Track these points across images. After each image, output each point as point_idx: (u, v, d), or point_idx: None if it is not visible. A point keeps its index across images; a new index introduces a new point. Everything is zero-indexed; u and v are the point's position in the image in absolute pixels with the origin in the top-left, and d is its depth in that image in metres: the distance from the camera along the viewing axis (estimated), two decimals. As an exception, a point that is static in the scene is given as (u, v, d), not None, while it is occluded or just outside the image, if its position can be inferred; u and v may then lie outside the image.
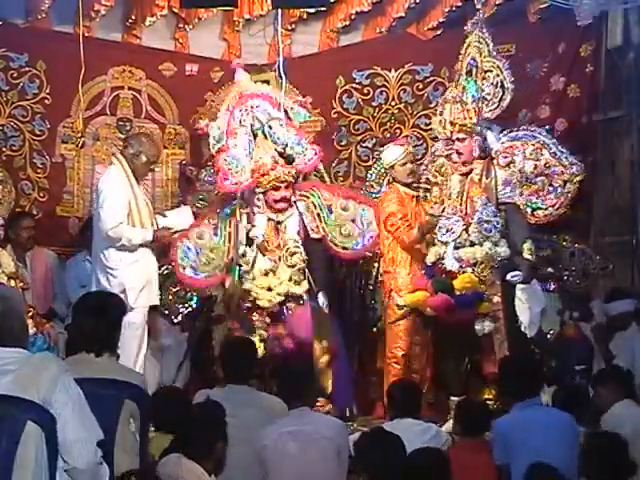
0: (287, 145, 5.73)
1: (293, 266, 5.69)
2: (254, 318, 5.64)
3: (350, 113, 7.37)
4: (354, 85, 7.36)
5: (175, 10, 7.05)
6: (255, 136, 5.78)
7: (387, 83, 7.34)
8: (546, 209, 5.92)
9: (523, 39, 7.08)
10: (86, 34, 6.47)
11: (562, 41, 7.04)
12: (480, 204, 5.66)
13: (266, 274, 5.68)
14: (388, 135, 7.32)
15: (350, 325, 6.39)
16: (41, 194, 6.91)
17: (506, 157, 5.82)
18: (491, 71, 5.87)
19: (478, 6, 6.78)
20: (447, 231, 5.67)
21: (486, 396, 5.74)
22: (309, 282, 5.76)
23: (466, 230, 5.64)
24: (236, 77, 6.02)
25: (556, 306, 6.40)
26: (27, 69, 6.86)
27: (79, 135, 6.58)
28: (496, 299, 5.62)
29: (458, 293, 5.54)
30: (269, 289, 5.64)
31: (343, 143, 7.36)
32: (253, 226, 5.73)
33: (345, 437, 4.41)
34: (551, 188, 5.92)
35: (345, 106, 7.37)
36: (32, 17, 6.78)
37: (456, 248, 5.62)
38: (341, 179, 7.34)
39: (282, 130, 5.75)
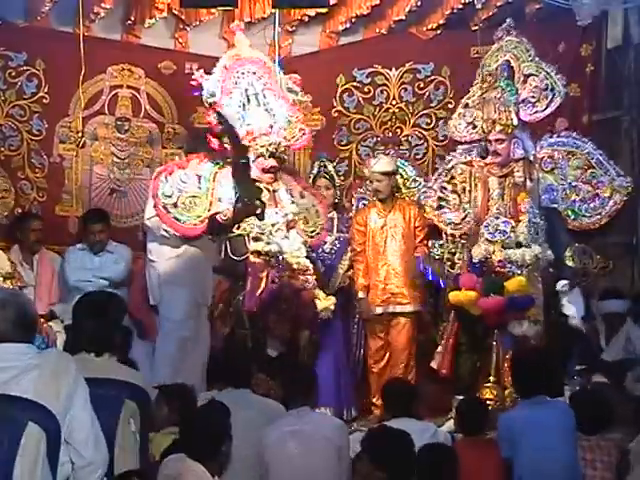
0: (279, 144, 5.71)
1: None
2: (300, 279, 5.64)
3: (350, 112, 7.36)
4: (355, 84, 7.34)
5: (175, 12, 7.04)
6: (248, 100, 5.72)
7: (388, 82, 7.33)
8: (590, 217, 5.91)
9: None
10: (85, 34, 6.47)
11: (562, 41, 7.04)
12: (528, 206, 5.71)
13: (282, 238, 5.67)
14: (389, 134, 7.32)
15: (353, 326, 6.39)
16: (40, 194, 6.88)
17: (550, 162, 5.84)
18: (536, 75, 5.92)
19: (478, 6, 6.80)
20: (496, 230, 5.69)
21: (487, 396, 5.76)
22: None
23: (512, 231, 5.68)
24: (235, 39, 5.94)
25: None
26: (25, 68, 6.82)
27: (79, 135, 6.56)
28: (538, 302, 5.66)
29: (508, 295, 5.55)
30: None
31: (343, 142, 7.35)
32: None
33: (345, 437, 4.41)
34: (596, 197, 5.92)
35: (346, 105, 7.36)
36: (31, 17, 6.75)
37: (503, 248, 5.66)
38: (342, 178, 7.32)
39: (276, 103, 5.71)
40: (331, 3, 6.84)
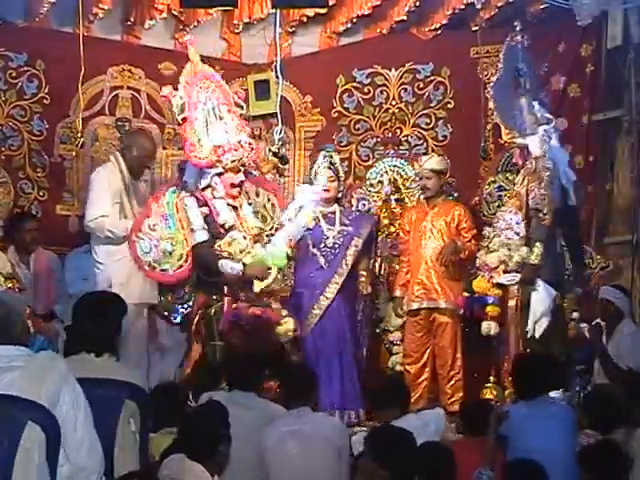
0: (282, 144, 5.69)
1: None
2: (270, 302, 5.63)
3: (350, 113, 7.36)
4: (354, 84, 7.34)
5: (175, 12, 7.04)
6: (209, 115, 5.65)
7: (387, 82, 7.33)
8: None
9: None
10: (85, 34, 6.47)
11: (562, 41, 7.04)
12: (506, 212, 5.92)
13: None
14: (389, 134, 7.33)
15: (359, 326, 6.34)
16: (41, 193, 6.88)
17: (532, 163, 5.93)
18: None
19: (478, 6, 6.80)
20: (486, 238, 6.02)
21: (487, 396, 5.79)
22: None
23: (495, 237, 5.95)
24: (189, 54, 5.85)
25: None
26: (26, 69, 6.82)
27: (79, 135, 6.57)
28: (511, 303, 5.84)
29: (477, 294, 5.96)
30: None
31: (343, 143, 7.35)
32: (206, 212, 5.52)
33: (345, 437, 4.43)
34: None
35: (345, 105, 7.36)
36: (31, 18, 6.75)
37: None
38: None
39: (229, 116, 5.64)
40: (330, 3, 6.84)
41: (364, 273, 6.25)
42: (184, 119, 5.63)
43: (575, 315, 6.31)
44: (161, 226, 5.51)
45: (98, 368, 3.29)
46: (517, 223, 5.84)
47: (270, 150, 6.40)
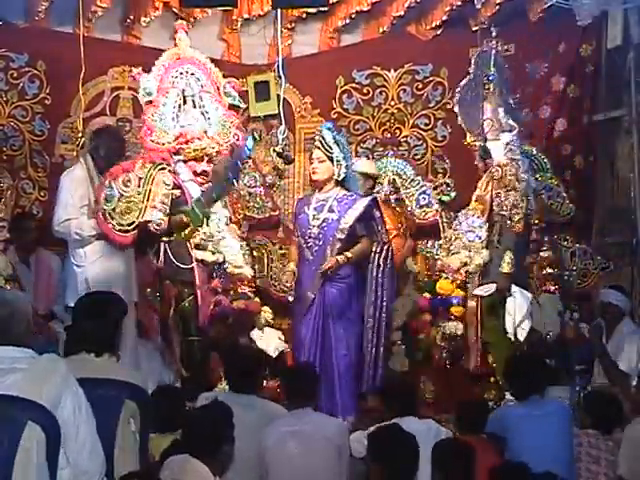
0: (286, 145, 5.67)
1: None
2: (247, 291, 5.68)
3: (350, 113, 7.38)
4: (354, 85, 7.37)
5: (175, 10, 7.05)
6: (184, 102, 5.65)
7: (387, 83, 7.35)
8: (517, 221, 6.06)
9: (523, 39, 7.07)
10: (86, 34, 6.48)
11: (562, 41, 7.04)
12: (469, 215, 5.99)
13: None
14: (388, 135, 7.34)
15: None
16: (42, 193, 6.89)
17: (498, 170, 5.96)
18: None
19: (478, 6, 6.81)
20: (447, 240, 6.15)
21: (485, 396, 5.79)
22: None
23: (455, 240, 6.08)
24: (177, 37, 5.86)
25: (557, 307, 6.39)
26: (27, 69, 6.84)
27: (80, 135, 6.57)
28: (471, 304, 5.93)
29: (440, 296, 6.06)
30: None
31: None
32: (178, 194, 5.48)
33: (345, 437, 4.43)
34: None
35: (345, 106, 7.38)
36: (31, 17, 6.77)
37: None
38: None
39: (212, 106, 5.64)
40: (331, 2, 6.86)
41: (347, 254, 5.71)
42: (149, 102, 5.62)
43: (575, 315, 6.34)
44: (133, 186, 5.38)
45: (98, 368, 3.30)
46: (480, 226, 5.92)
47: (274, 150, 6.38)
